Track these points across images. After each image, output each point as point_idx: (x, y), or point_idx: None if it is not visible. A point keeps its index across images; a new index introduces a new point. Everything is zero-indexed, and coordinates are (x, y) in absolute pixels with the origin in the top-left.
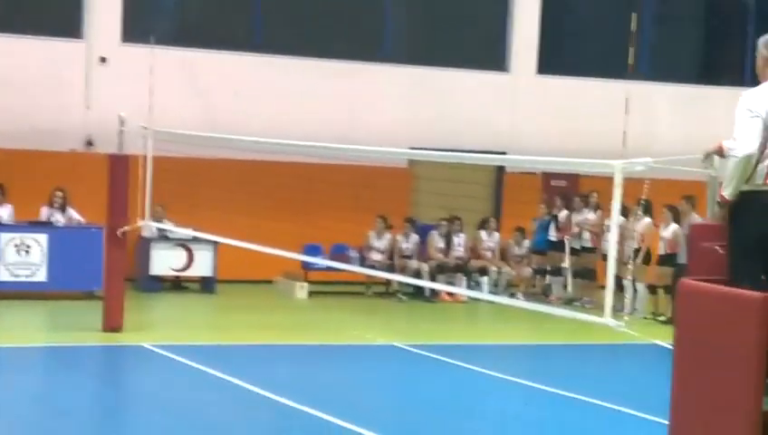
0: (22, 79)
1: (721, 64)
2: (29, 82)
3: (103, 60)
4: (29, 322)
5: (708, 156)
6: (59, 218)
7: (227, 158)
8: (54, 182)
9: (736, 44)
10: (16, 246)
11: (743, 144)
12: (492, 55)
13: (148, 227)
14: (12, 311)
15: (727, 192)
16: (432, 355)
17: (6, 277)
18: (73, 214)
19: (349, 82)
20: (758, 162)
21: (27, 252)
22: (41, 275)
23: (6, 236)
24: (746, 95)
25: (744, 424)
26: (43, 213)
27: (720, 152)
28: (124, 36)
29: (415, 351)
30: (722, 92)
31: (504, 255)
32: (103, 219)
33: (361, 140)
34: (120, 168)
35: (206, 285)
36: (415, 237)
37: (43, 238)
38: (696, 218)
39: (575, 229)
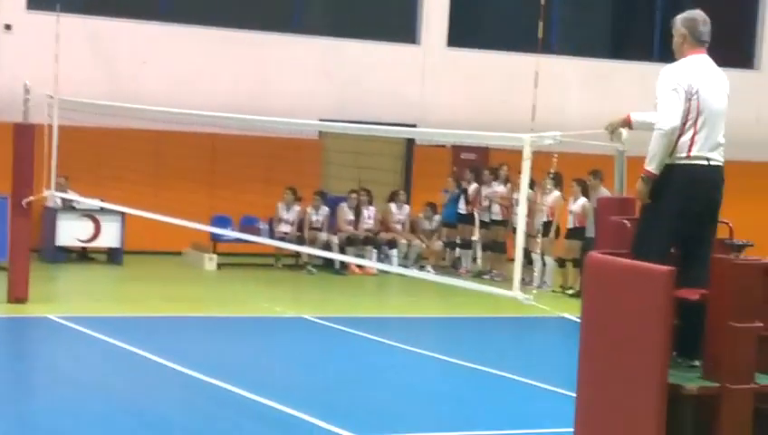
0: None
1: (630, 40)
2: None
3: (8, 27)
4: None
5: (614, 128)
6: None
7: (134, 128)
8: None
9: (645, 20)
10: None
11: (666, 118)
12: (402, 27)
13: (53, 197)
14: None
15: (652, 166)
16: (341, 328)
17: None
18: None
19: (259, 52)
20: (680, 136)
21: None
22: None
23: None
24: (667, 70)
25: (649, 396)
26: None
27: (627, 124)
28: (29, 4)
29: (324, 323)
30: (631, 67)
31: (414, 227)
32: (8, 189)
33: (271, 111)
34: (24, 137)
35: (114, 256)
36: (325, 210)
37: None
38: (604, 192)
39: (485, 202)
